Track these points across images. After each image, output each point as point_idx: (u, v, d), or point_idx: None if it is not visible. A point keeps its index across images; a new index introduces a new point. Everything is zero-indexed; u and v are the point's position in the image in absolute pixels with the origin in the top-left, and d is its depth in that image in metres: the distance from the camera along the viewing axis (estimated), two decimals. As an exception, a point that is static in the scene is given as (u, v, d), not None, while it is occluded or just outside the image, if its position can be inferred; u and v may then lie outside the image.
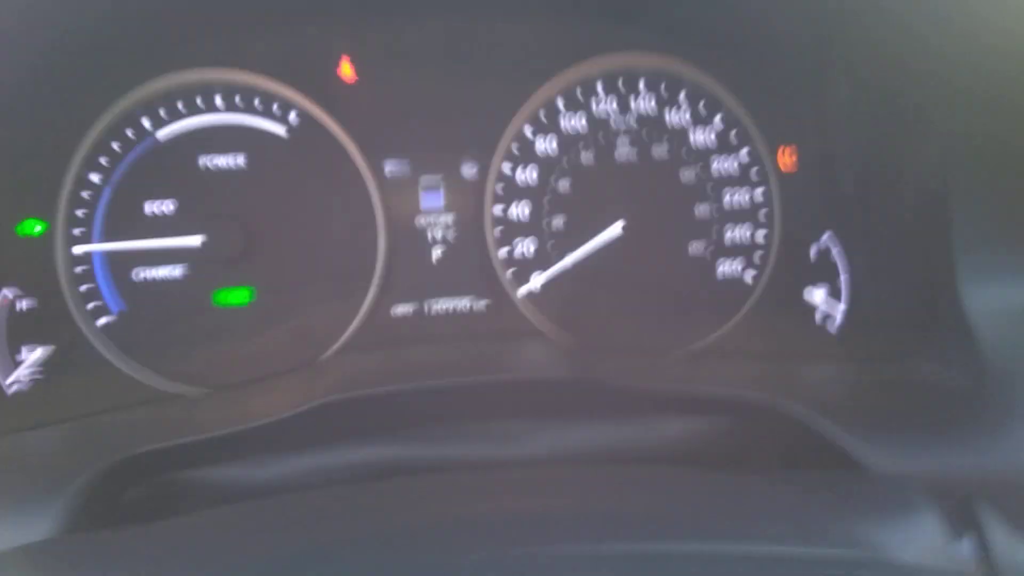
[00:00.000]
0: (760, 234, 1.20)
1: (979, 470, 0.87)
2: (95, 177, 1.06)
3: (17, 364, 1.03)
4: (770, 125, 1.19)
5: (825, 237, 1.19)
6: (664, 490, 0.68)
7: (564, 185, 1.17)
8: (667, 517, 0.58)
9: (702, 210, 1.19)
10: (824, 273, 1.20)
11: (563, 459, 1.01)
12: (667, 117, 1.18)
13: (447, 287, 1.17)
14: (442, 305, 1.17)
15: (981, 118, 0.92)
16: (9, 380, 1.02)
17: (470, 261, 1.17)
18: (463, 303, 1.17)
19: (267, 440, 0.92)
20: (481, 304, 1.18)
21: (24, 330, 1.04)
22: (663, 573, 0.44)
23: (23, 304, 1.04)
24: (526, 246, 1.17)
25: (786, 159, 1.20)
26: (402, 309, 1.16)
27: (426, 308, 1.17)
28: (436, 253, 1.17)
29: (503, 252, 1.17)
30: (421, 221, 1.16)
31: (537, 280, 1.16)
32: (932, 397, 1.00)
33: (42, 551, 0.66)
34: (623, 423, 1.04)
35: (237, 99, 1.09)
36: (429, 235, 1.16)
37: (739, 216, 1.20)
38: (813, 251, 1.20)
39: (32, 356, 1.03)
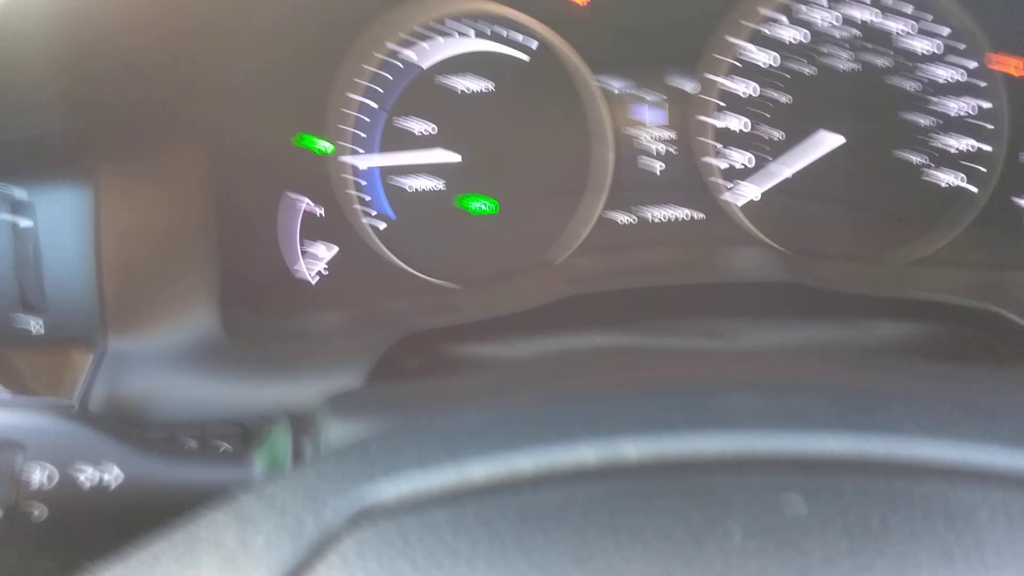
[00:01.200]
0: (983, 145, 1.20)
1: None
2: (372, 103, 1.26)
3: (317, 259, 1.27)
4: (1000, 34, 1.17)
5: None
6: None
7: (782, 97, 1.22)
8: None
9: (924, 120, 1.20)
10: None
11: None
12: (890, 24, 1.19)
13: (666, 198, 1.28)
14: (661, 214, 1.28)
15: None
16: (312, 272, 1.26)
17: (688, 173, 1.27)
18: (680, 213, 1.28)
19: (515, 326, 1.10)
20: (697, 214, 1.28)
21: (319, 232, 1.28)
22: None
23: (319, 211, 1.27)
24: (743, 159, 1.25)
25: (1016, 69, 1.18)
26: (625, 218, 1.28)
27: (646, 217, 1.28)
28: (657, 166, 1.27)
29: (721, 164, 1.25)
30: (644, 136, 1.27)
31: (753, 190, 1.24)
32: None
33: (369, 392, 0.87)
34: (835, 325, 1.11)
35: (485, 28, 1.24)
36: (652, 149, 1.27)
37: (962, 126, 1.20)
38: (1040, 163, 1.19)
39: (317, 249, 1.26)
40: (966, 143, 1.21)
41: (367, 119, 1.26)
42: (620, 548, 0.40)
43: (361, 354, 1.02)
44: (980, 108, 1.20)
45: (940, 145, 1.21)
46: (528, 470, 0.46)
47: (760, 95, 1.23)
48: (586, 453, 0.46)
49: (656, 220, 1.28)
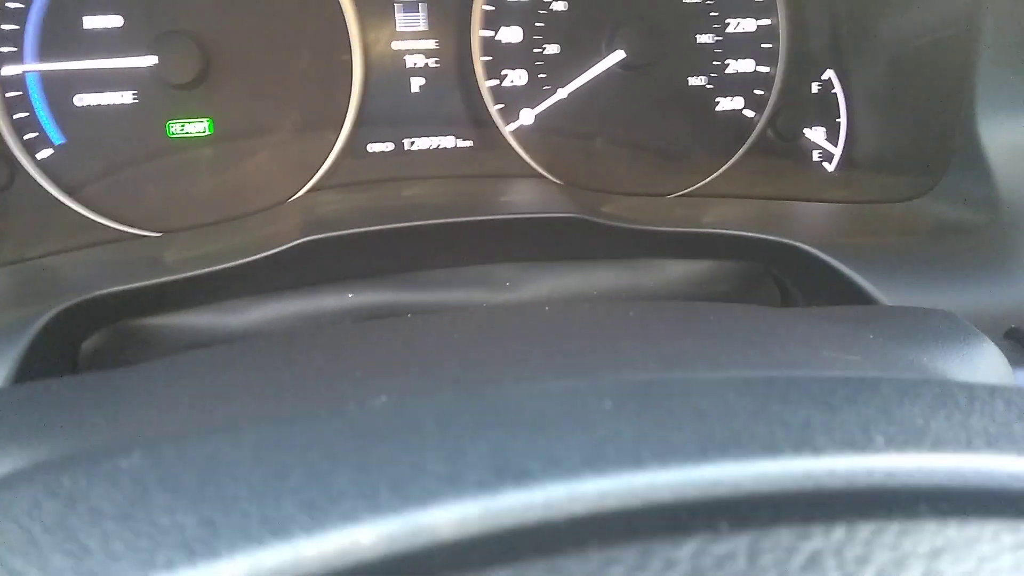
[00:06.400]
0: (763, 67, 1.12)
1: (996, 307, 0.85)
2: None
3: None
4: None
5: (827, 73, 1.12)
6: (693, 321, 0.62)
7: (559, 6, 1.05)
8: (709, 349, 0.51)
9: (705, 39, 1.10)
10: (826, 111, 1.13)
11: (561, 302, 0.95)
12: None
13: (429, 122, 1.07)
14: (423, 142, 1.07)
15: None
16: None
17: (454, 92, 1.06)
18: (446, 140, 1.08)
19: (236, 285, 0.84)
20: (466, 141, 1.08)
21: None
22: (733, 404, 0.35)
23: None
24: (516, 76, 1.06)
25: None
26: (379, 146, 1.06)
27: (406, 145, 1.06)
28: (416, 83, 1.05)
29: (491, 83, 1.06)
30: (399, 46, 1.04)
31: (528, 114, 1.07)
32: (943, 235, 0.96)
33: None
34: (621, 266, 0.99)
35: None
36: (409, 62, 1.04)
37: (742, 47, 1.11)
38: (815, 88, 1.13)
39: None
40: (742, 64, 1.12)
41: (19, 5, 0.91)
42: None
43: (10, 333, 0.71)
44: (758, 28, 1.11)
45: (719, 66, 1.11)
46: None
47: (533, 2, 1.05)
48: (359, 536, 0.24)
49: (416, 148, 1.07)
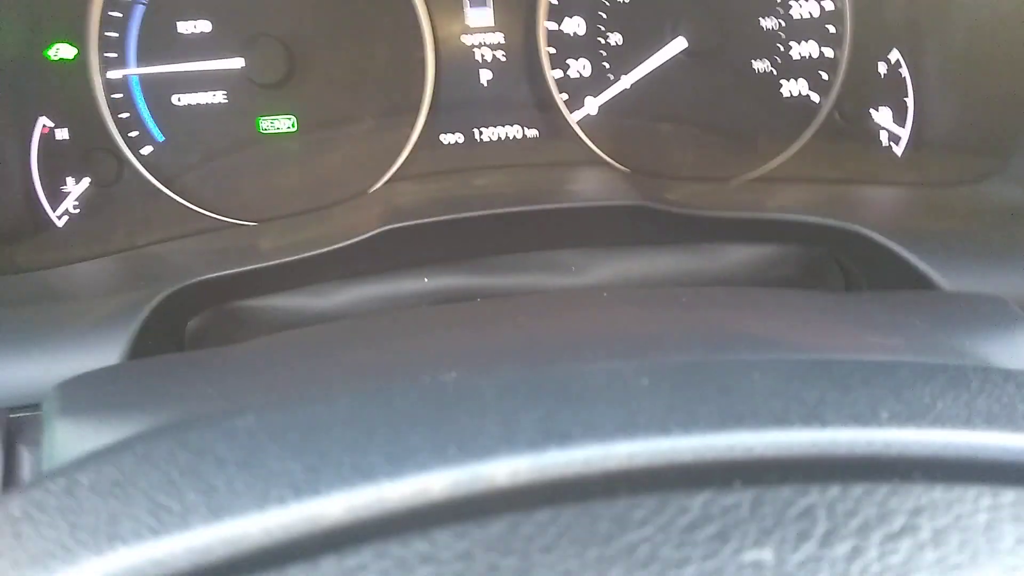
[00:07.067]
0: (827, 50, 1.13)
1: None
2: (123, -7, 0.99)
3: (64, 196, 1.00)
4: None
5: (894, 54, 1.12)
6: (753, 306, 0.65)
7: (622, -5, 1.08)
8: (762, 332, 0.55)
9: (768, 23, 1.11)
10: (893, 93, 1.13)
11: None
12: (735, -82, 1.07)
13: (498, 112, 1.11)
14: (493, 133, 1.12)
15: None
16: (59, 211, 1.00)
17: (522, 84, 1.11)
18: (513, 130, 1.12)
19: (324, 269, 0.91)
20: (533, 131, 1.12)
21: (64, 162, 1.01)
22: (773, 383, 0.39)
23: (60, 135, 1.00)
24: (581, 66, 1.10)
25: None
26: (451, 137, 1.11)
27: (476, 136, 1.12)
28: (485, 75, 1.10)
29: (557, 73, 1.10)
30: (469, 40, 1.09)
31: (593, 103, 1.10)
32: (1008, 219, 0.96)
33: (121, 373, 0.66)
34: (686, 251, 1.01)
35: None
36: (478, 56, 1.09)
37: (807, 30, 1.12)
38: (882, 69, 1.13)
39: (78, 187, 1.01)
40: (807, 48, 1.13)
41: (119, 14, 0.99)
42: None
43: (124, 314, 0.79)
44: (823, 10, 1.11)
45: (783, 50, 1.12)
46: (336, 520, 0.29)
47: (597, -8, 1.09)
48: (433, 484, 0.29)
49: (486, 139, 1.12)
